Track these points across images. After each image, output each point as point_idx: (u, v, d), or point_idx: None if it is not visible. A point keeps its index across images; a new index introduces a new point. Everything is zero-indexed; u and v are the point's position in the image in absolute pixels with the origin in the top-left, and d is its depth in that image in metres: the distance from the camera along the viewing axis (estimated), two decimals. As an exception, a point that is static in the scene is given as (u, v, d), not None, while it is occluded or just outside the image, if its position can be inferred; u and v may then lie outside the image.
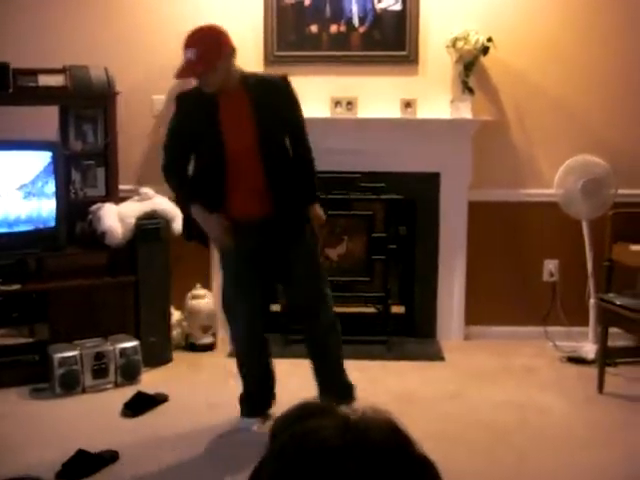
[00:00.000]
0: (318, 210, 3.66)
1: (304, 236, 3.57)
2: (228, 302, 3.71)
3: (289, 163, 3.51)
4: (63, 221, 4.38)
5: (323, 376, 3.67)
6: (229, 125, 3.39)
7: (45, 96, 4.42)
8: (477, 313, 5.04)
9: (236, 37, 4.76)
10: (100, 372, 4.14)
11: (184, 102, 3.50)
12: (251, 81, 3.44)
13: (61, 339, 4.19)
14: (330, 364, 3.69)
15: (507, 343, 4.90)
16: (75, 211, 4.51)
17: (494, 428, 3.71)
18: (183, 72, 3.36)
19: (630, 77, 4.86)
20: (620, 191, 4.68)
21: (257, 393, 3.76)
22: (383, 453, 0.90)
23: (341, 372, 3.71)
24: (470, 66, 4.75)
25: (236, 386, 4.19)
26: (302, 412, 0.97)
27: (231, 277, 3.65)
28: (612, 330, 4.16)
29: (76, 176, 4.56)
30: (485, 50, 4.69)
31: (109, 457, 3.30)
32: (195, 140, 3.47)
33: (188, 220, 3.70)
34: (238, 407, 3.75)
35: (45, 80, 4.39)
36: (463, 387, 4.22)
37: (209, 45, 3.29)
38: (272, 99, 3.43)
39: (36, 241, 4.30)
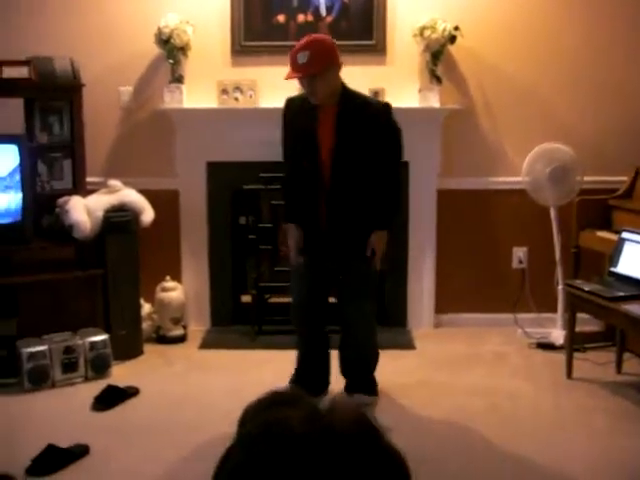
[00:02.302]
0: (378, 238, 3.65)
1: (356, 259, 3.65)
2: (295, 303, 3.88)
3: (359, 186, 3.57)
4: (29, 214, 4.34)
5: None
6: (324, 131, 3.52)
7: (9, 88, 4.36)
8: (447, 301, 5.07)
9: (203, 27, 4.81)
10: (70, 366, 4.11)
11: (291, 105, 3.69)
12: (348, 98, 3.52)
13: (30, 333, 4.15)
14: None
15: (477, 330, 4.94)
16: (42, 204, 4.46)
17: (464, 414, 3.74)
18: (295, 72, 3.44)
19: (596, 66, 4.90)
20: (586, 178, 4.72)
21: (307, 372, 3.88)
22: (350, 442, 0.90)
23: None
24: (438, 55, 4.76)
25: (206, 379, 4.20)
26: (271, 401, 0.97)
27: (295, 275, 3.84)
28: (581, 315, 4.20)
29: (42, 169, 4.51)
30: (452, 39, 4.70)
31: (79, 452, 3.27)
32: (295, 142, 3.64)
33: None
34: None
35: (9, 72, 4.33)
36: (434, 374, 4.25)
37: (323, 50, 3.42)
38: (362, 120, 3.49)
39: (1, 235, 4.25)
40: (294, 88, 4.73)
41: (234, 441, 0.94)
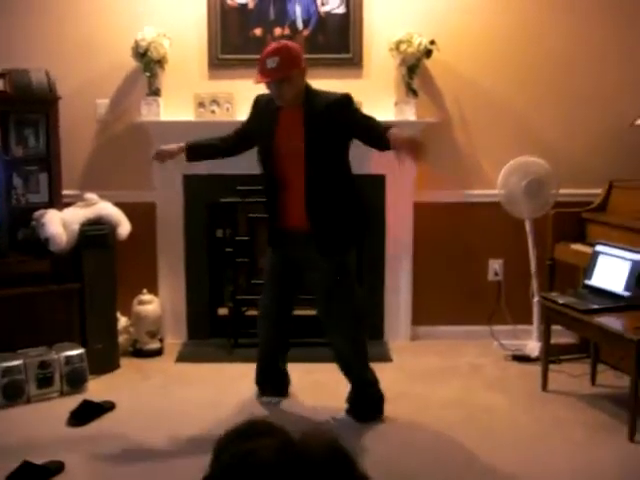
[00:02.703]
0: (397, 133, 3.37)
1: (334, 256, 3.67)
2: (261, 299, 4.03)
3: (336, 178, 3.66)
4: (5, 227, 4.31)
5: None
6: (282, 132, 3.62)
7: (-15, 101, 4.34)
8: (424, 313, 5.10)
9: (180, 40, 4.81)
10: (45, 381, 4.08)
11: (258, 102, 3.81)
12: (311, 97, 3.59)
13: (4, 348, 4.12)
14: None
15: (453, 342, 4.97)
16: (17, 217, 4.43)
17: (441, 427, 3.75)
18: (264, 77, 3.52)
19: (572, 80, 4.95)
20: (561, 191, 4.77)
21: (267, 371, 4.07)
22: (322, 473, 0.91)
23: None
24: (414, 68, 4.80)
25: (183, 393, 4.18)
26: (244, 432, 0.97)
27: (266, 279, 4.00)
28: (556, 327, 4.23)
29: (18, 182, 4.49)
30: (428, 53, 4.74)
31: (54, 468, 3.24)
32: (254, 137, 3.78)
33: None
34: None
35: (-16, 85, 4.31)
36: (410, 387, 4.26)
37: (291, 56, 3.53)
38: (327, 113, 3.54)
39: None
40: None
41: (209, 472, 0.94)
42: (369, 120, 3.57)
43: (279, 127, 3.63)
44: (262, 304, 4.01)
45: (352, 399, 3.83)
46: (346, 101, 3.57)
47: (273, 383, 4.07)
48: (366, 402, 3.83)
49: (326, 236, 3.64)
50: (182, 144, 3.88)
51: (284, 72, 3.49)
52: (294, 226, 3.70)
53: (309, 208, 3.62)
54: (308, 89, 3.62)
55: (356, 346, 3.81)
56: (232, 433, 0.97)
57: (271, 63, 3.48)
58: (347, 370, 3.84)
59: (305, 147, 3.56)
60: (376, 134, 3.47)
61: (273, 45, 3.61)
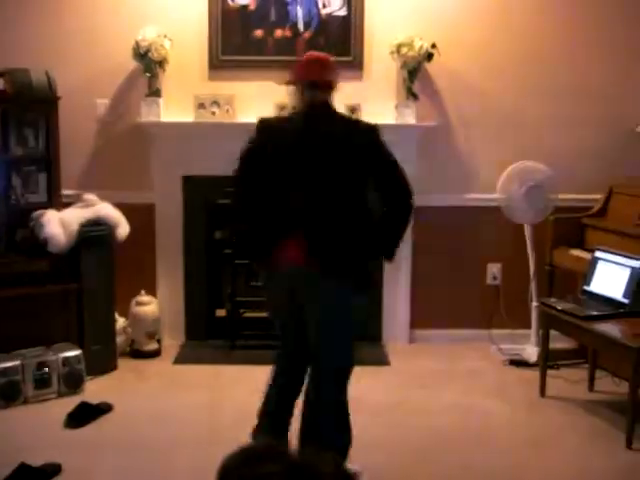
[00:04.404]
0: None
1: (333, 289, 3.06)
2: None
3: (344, 211, 3.06)
4: (3, 228, 4.30)
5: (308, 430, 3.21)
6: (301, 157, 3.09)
7: (-15, 100, 4.33)
8: (422, 317, 5.09)
9: (181, 41, 4.80)
10: (42, 382, 4.07)
11: (264, 125, 3.22)
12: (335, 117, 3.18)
13: (1, 349, 4.11)
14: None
15: (452, 346, 4.96)
16: (16, 217, 4.42)
17: (438, 432, 3.75)
18: (321, 80, 3.10)
19: (573, 84, 4.95)
20: (561, 196, 4.76)
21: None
22: None
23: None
24: (414, 72, 4.79)
25: (181, 394, 4.18)
26: (249, 456, 0.96)
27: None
28: (554, 332, 4.23)
29: (17, 182, 4.47)
30: (429, 56, 4.74)
31: (51, 471, 3.23)
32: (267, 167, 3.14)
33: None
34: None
35: (-16, 84, 4.30)
36: (408, 392, 4.26)
37: (334, 67, 3.18)
38: (349, 142, 3.08)
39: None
40: (270, 102, 4.75)
41: None
42: (395, 171, 3.14)
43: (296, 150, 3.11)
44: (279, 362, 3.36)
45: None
46: (375, 133, 3.11)
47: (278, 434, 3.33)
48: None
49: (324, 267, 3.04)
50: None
51: (334, 77, 3.13)
52: (293, 262, 3.06)
53: (318, 248, 3.03)
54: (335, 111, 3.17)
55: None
56: (237, 457, 0.97)
57: (316, 64, 3.14)
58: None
59: (323, 175, 3.05)
60: (391, 204, 3.13)
61: (321, 54, 3.30)
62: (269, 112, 4.72)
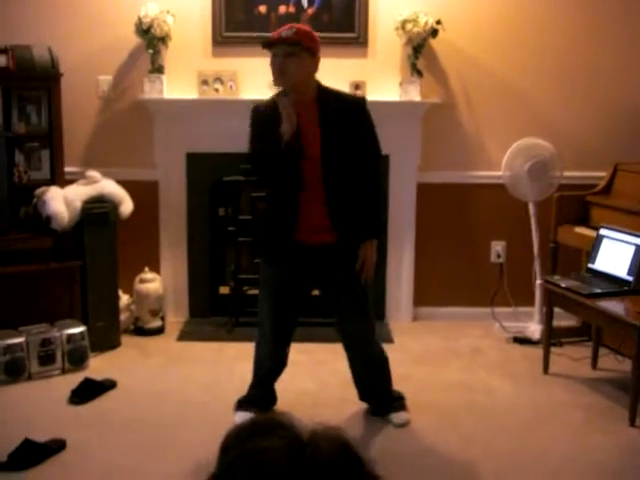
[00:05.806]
0: (371, 250, 3.44)
1: (346, 275, 3.43)
2: (261, 320, 3.61)
3: (353, 180, 3.38)
4: (6, 205, 4.29)
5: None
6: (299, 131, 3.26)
7: (-13, 77, 4.31)
8: (425, 294, 5.09)
9: (184, 17, 4.77)
10: (47, 358, 4.08)
11: (258, 110, 3.42)
12: (325, 94, 3.35)
13: (6, 325, 4.12)
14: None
15: (455, 324, 4.97)
16: (19, 194, 4.42)
17: (442, 410, 3.76)
18: (276, 38, 3.24)
19: (578, 62, 4.91)
20: (565, 173, 4.74)
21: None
22: (332, 474, 0.90)
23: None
24: (419, 48, 4.76)
25: (184, 371, 4.19)
26: (253, 429, 0.96)
27: (269, 293, 3.53)
28: (557, 309, 4.22)
29: (20, 159, 4.46)
30: (434, 32, 4.70)
31: (56, 446, 3.25)
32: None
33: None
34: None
35: (-14, 61, 4.28)
36: (412, 369, 4.26)
37: (309, 35, 3.26)
38: (343, 116, 3.32)
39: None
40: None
41: (216, 468, 0.93)
42: (372, 134, 3.42)
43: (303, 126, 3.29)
44: (262, 332, 3.62)
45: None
46: (363, 105, 3.40)
47: (261, 405, 3.63)
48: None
49: (350, 242, 3.40)
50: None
51: (299, 39, 3.19)
52: (311, 237, 3.36)
53: (333, 217, 3.34)
54: (320, 86, 3.36)
55: (376, 339, 3.69)
56: (241, 430, 0.96)
57: (288, 32, 3.21)
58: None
59: (322, 146, 3.29)
60: (366, 159, 3.41)
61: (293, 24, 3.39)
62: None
